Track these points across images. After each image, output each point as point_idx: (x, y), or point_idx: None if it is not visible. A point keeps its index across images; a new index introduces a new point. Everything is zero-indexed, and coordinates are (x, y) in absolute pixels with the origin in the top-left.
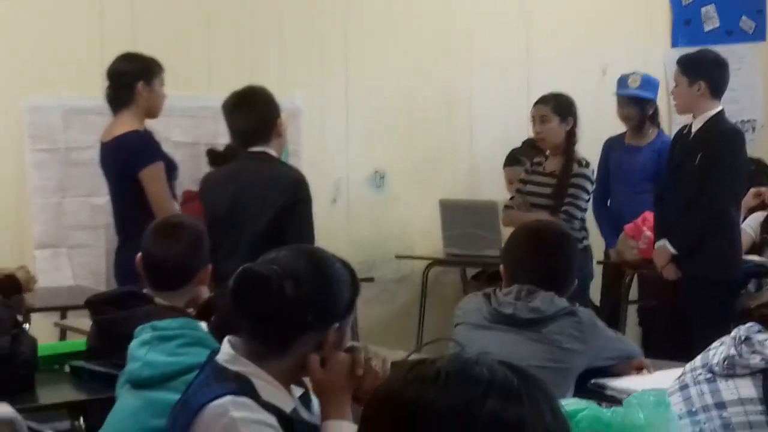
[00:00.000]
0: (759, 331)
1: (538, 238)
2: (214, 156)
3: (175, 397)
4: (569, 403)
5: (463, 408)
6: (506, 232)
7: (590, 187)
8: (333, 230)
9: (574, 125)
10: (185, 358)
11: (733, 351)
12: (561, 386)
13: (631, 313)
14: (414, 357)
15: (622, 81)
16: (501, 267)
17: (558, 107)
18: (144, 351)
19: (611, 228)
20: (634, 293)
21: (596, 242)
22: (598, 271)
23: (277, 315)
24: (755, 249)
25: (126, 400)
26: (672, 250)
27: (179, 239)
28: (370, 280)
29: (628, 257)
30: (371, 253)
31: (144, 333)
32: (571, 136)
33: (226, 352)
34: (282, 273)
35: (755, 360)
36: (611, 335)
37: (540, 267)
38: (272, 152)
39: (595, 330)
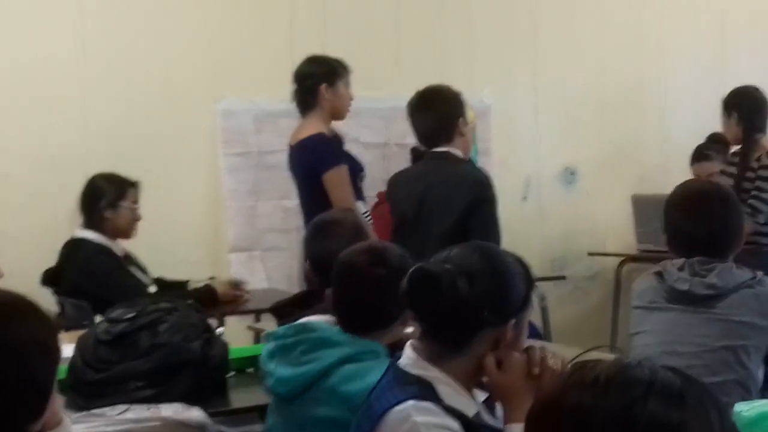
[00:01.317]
0: None
1: (693, 200)
2: (416, 155)
3: (314, 410)
4: (758, 405)
5: (623, 410)
6: None
7: None
8: (524, 228)
9: (748, 117)
10: (312, 365)
11: None
12: (743, 367)
13: None
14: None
15: None
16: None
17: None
18: (273, 364)
19: None
20: None
21: None
22: None
23: (451, 313)
24: None
25: (273, 415)
26: None
27: (338, 237)
28: (563, 278)
29: None
30: (563, 251)
31: (269, 342)
32: (747, 128)
33: (407, 355)
34: (454, 270)
35: None
36: None
37: (699, 232)
38: (456, 152)
39: None
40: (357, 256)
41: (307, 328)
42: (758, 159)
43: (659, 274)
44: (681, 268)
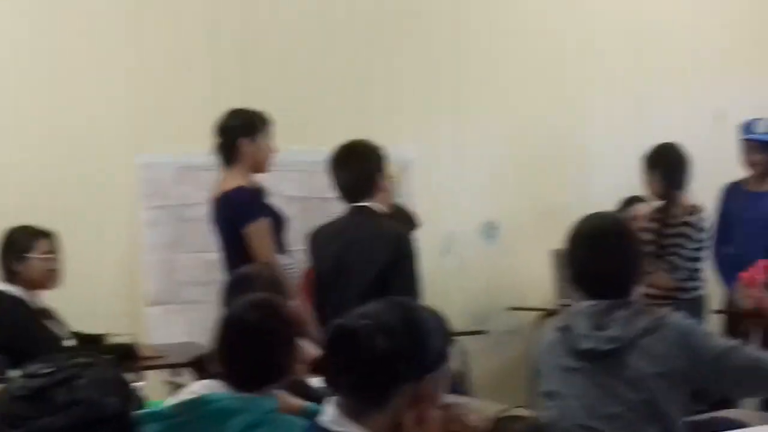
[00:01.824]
0: None
1: (592, 237)
2: None
3: None
4: None
5: None
6: None
7: (699, 235)
8: (445, 282)
9: (671, 173)
10: None
11: None
12: (665, 416)
13: None
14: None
15: (750, 125)
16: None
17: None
18: None
19: (730, 275)
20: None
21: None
22: (717, 322)
23: (369, 369)
24: None
25: None
26: None
27: (256, 291)
28: (484, 332)
29: (744, 306)
30: (484, 305)
31: (150, 423)
32: (669, 185)
33: (329, 413)
34: (371, 326)
35: None
36: (718, 342)
37: (602, 271)
38: (377, 207)
39: (691, 334)
40: (247, 311)
41: (199, 404)
42: (679, 215)
43: (563, 329)
44: (580, 317)
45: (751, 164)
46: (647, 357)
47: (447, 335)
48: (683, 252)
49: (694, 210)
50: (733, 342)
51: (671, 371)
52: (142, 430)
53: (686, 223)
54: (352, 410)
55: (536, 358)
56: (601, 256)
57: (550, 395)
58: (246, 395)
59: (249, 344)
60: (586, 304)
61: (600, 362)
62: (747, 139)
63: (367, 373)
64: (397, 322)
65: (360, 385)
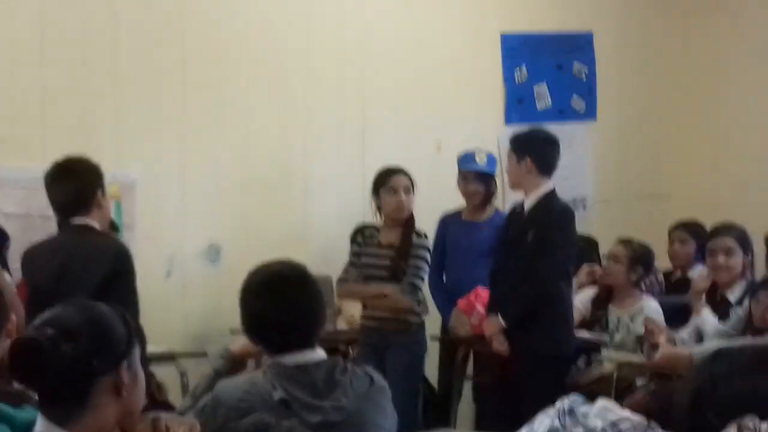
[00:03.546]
0: (582, 403)
1: (272, 285)
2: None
3: None
4: None
5: None
6: (344, 307)
7: (429, 259)
8: (166, 304)
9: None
10: None
11: (557, 423)
12: None
13: (467, 390)
14: None
15: (468, 157)
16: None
17: (412, 180)
18: None
19: (448, 303)
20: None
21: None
22: (434, 346)
23: (62, 374)
24: (585, 325)
25: None
26: (502, 323)
27: None
28: (204, 354)
29: (461, 333)
30: (205, 327)
31: None
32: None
33: (40, 424)
34: (55, 334)
35: None
36: None
37: (290, 320)
38: (94, 223)
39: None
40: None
41: None
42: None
43: (284, 402)
44: (304, 383)
45: (469, 195)
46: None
47: (126, 321)
48: (422, 274)
49: (425, 234)
50: None
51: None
52: None
53: (424, 246)
54: (58, 416)
55: None
56: (289, 305)
57: None
58: None
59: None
60: (291, 362)
61: None
62: (465, 170)
63: (59, 380)
64: (80, 322)
65: (56, 392)
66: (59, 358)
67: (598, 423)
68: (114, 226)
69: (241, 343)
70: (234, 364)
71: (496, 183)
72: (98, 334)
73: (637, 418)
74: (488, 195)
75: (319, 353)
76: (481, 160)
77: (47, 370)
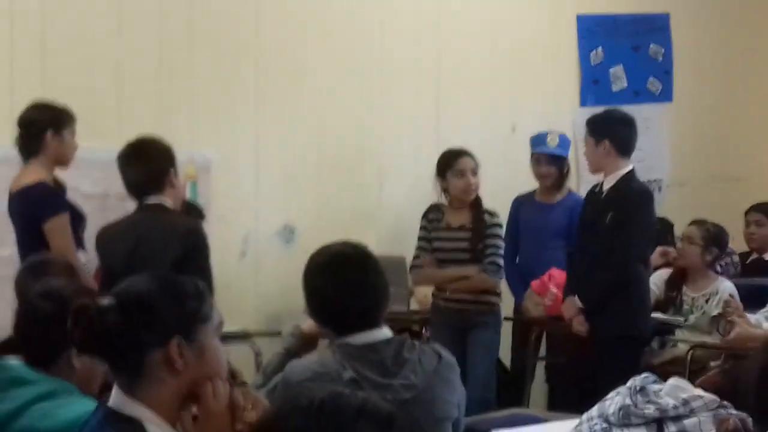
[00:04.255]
0: (654, 382)
1: (334, 265)
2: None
3: None
4: None
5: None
6: (416, 290)
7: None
8: (241, 284)
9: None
10: (4, 405)
11: (628, 401)
12: None
13: (540, 370)
14: None
15: (540, 139)
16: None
17: (476, 161)
18: None
19: (521, 284)
20: (544, 350)
21: (506, 298)
22: (507, 327)
23: (110, 344)
24: (659, 306)
25: None
26: (580, 305)
27: (52, 276)
28: (278, 333)
29: (534, 314)
30: (279, 308)
31: None
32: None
33: (115, 394)
34: (109, 302)
35: (650, 410)
36: None
37: (350, 301)
38: (167, 202)
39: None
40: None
41: (2, 368)
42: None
43: (354, 381)
44: (372, 367)
45: (541, 177)
46: (436, 402)
47: (201, 296)
48: (501, 252)
49: (496, 213)
50: None
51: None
52: None
53: (499, 225)
54: (124, 386)
55: None
56: (348, 286)
57: None
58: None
59: (43, 333)
60: (359, 342)
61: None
62: (537, 153)
63: (108, 349)
64: (138, 293)
65: (111, 361)
66: (106, 326)
67: (669, 401)
68: (199, 212)
69: (311, 322)
70: (305, 342)
71: (569, 165)
72: (150, 307)
73: (709, 396)
74: (560, 177)
75: (386, 332)
76: (552, 142)
77: (96, 337)
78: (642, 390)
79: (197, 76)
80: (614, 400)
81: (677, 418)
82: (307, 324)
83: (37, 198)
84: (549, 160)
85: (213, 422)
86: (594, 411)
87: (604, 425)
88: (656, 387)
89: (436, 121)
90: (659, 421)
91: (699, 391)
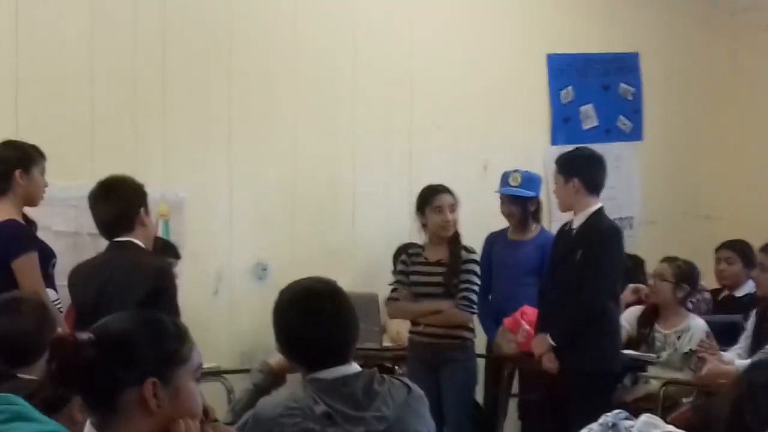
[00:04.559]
0: (626, 418)
1: (305, 301)
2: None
3: None
4: None
5: None
6: (389, 324)
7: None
8: (214, 321)
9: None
10: None
11: None
12: None
13: (513, 407)
14: None
15: (504, 178)
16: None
17: (455, 197)
18: None
19: (493, 321)
20: (517, 387)
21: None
22: (480, 364)
23: (86, 380)
24: (632, 343)
25: None
26: (551, 341)
27: (24, 314)
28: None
29: (506, 351)
30: (252, 345)
31: None
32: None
33: (87, 427)
34: (88, 338)
35: None
36: None
37: (319, 336)
38: (137, 241)
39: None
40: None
41: (10, 401)
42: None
43: (327, 415)
44: (344, 400)
45: (507, 216)
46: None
47: (181, 339)
48: (476, 288)
49: (472, 249)
50: None
51: None
52: None
53: (474, 261)
54: (97, 423)
55: None
56: (318, 322)
57: None
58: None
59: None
60: (329, 376)
61: None
62: (500, 192)
63: (85, 385)
64: (117, 331)
65: (86, 397)
66: (82, 361)
67: None
68: (175, 251)
69: (279, 356)
70: (273, 378)
71: (539, 202)
72: (128, 346)
73: None
74: (524, 216)
75: (355, 366)
76: (514, 181)
77: (72, 371)
78: (614, 426)
79: (169, 115)
80: None
81: None
82: (275, 359)
83: (6, 236)
84: (510, 200)
85: None
86: None
87: None
88: (628, 423)
89: (409, 159)
90: None
91: (671, 428)
